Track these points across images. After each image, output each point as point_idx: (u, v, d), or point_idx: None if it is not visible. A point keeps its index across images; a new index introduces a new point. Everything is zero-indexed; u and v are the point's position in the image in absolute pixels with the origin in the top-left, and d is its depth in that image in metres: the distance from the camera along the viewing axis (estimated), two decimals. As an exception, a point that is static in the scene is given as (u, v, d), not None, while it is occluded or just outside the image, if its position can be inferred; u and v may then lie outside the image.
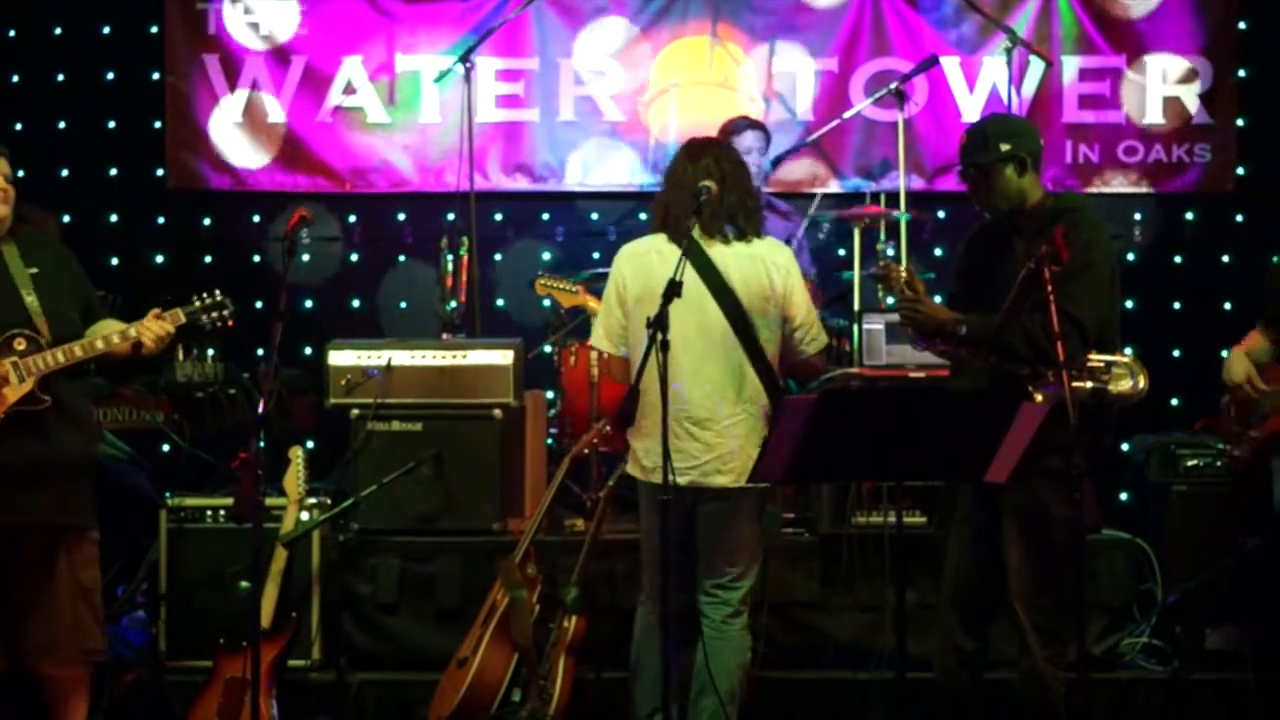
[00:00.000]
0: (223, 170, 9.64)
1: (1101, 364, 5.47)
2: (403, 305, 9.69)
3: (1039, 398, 5.35)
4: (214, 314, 6.13)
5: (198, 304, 6.11)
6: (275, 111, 9.63)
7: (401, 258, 9.79)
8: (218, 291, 6.16)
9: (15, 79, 9.72)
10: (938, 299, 5.96)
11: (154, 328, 5.99)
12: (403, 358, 7.59)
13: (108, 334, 5.99)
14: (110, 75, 9.76)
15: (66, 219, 8.54)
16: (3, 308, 5.94)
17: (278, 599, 6.84)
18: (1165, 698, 7.17)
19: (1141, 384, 5.51)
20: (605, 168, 9.56)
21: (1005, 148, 5.80)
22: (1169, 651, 7.33)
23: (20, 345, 5.89)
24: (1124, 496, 8.21)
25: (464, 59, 8.81)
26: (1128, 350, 5.68)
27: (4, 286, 5.97)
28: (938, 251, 9.47)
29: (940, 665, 5.98)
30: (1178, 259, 9.67)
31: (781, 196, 9.14)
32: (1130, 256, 9.42)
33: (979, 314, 5.69)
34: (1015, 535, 5.71)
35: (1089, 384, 5.44)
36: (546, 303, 9.07)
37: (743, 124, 8.76)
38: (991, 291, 5.69)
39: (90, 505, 6.15)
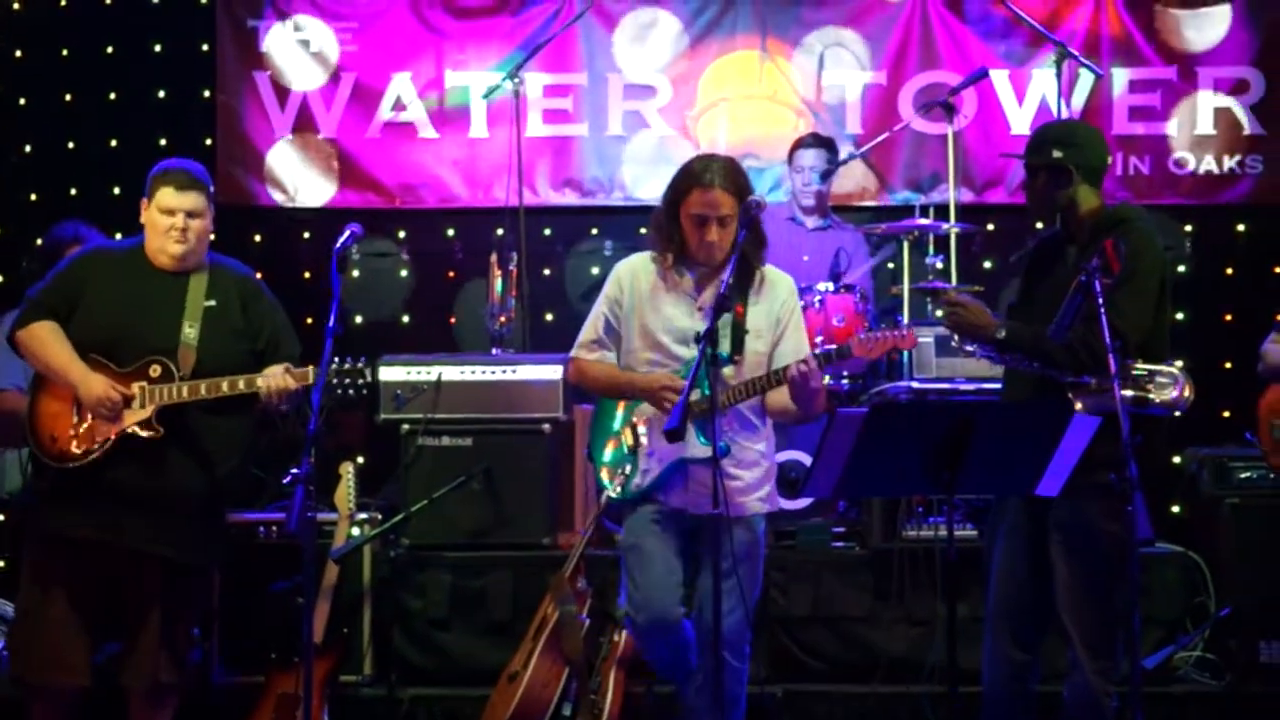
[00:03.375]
0: (273, 186, 9.68)
1: (1145, 372, 5.40)
2: (452, 321, 9.71)
3: (1079, 406, 5.32)
4: (348, 379, 5.98)
5: (334, 366, 5.91)
6: (325, 128, 9.66)
7: (451, 273, 9.81)
8: (362, 360, 6.04)
9: (68, 97, 9.79)
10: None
11: (274, 382, 5.98)
12: (453, 373, 7.62)
13: (234, 378, 6.00)
14: (162, 93, 9.81)
15: (119, 236, 8.57)
16: (160, 334, 6.04)
17: (329, 614, 6.87)
18: (1218, 712, 7.14)
19: (1186, 393, 5.37)
20: (654, 182, 9.53)
21: (1056, 155, 5.78)
22: (1222, 665, 7.29)
23: (155, 372, 5.99)
24: (1176, 509, 8.17)
25: (513, 75, 8.84)
26: (1178, 362, 5.63)
27: (171, 314, 6.07)
28: (986, 264, 9.44)
29: (990, 678, 5.96)
30: (1229, 271, 9.60)
31: (833, 210, 9.13)
32: (1181, 269, 9.36)
33: (1037, 322, 5.66)
34: (1062, 549, 5.69)
35: (1130, 392, 5.36)
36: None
37: (806, 140, 8.78)
38: (1047, 300, 5.69)
39: (198, 543, 6.13)
